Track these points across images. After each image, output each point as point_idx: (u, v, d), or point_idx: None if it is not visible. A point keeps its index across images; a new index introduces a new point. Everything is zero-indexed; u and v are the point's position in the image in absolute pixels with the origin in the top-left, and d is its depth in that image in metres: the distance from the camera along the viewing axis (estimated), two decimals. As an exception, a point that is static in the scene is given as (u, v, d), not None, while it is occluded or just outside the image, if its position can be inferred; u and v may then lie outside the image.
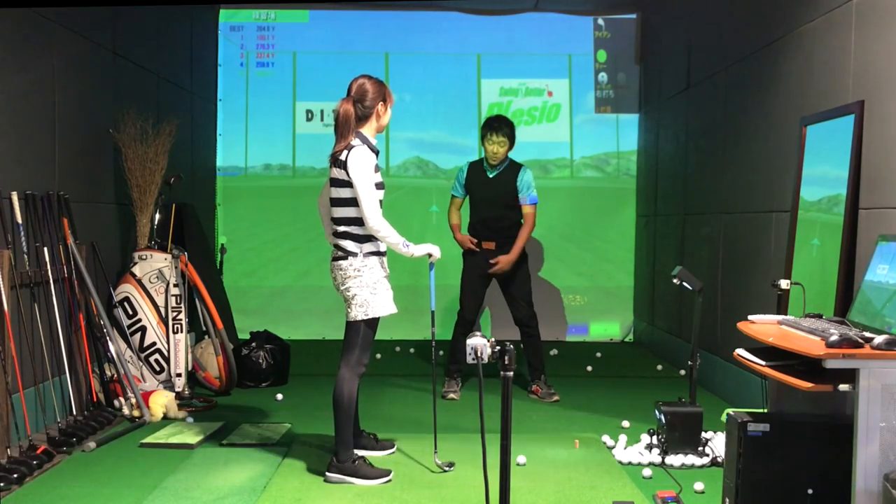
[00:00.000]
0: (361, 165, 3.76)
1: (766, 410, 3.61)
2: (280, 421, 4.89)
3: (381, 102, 3.90)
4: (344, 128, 3.84)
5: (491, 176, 5.48)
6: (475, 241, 5.50)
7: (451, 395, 5.52)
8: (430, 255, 3.99)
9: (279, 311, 7.89)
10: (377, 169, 3.88)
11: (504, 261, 5.43)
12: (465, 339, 4.98)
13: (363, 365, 3.89)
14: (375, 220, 3.76)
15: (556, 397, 5.47)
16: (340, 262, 3.84)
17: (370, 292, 3.81)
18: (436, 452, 4.09)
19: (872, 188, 3.57)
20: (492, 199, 5.47)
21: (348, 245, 3.83)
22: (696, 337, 4.34)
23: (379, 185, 3.86)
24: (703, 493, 3.66)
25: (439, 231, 8.05)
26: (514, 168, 5.48)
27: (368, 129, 3.92)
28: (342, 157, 3.79)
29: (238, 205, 8.21)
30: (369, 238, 3.85)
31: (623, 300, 8.17)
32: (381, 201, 3.85)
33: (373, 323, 3.87)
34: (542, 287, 7.94)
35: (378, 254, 3.88)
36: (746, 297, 5.05)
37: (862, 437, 2.68)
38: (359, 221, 3.82)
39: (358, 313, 3.81)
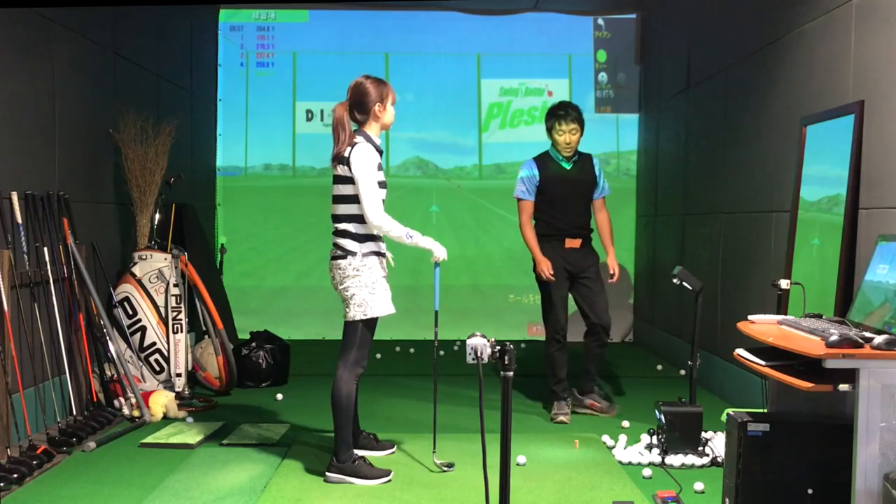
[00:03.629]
0: (364, 161, 3.77)
1: (766, 410, 3.61)
2: (280, 421, 4.89)
3: (379, 103, 3.89)
4: (339, 132, 3.86)
5: (568, 168, 5.03)
6: (551, 269, 4.91)
7: (562, 418, 4.85)
8: (434, 255, 3.97)
9: (279, 311, 7.90)
10: (380, 168, 3.88)
11: (615, 265, 5.10)
12: (561, 354, 4.93)
13: (361, 366, 3.88)
14: (376, 215, 3.76)
15: (614, 411, 5.02)
16: (339, 261, 3.84)
17: (369, 292, 3.81)
18: (434, 452, 4.09)
19: (872, 188, 3.57)
20: (573, 194, 5.01)
21: (347, 244, 3.83)
22: (696, 337, 4.34)
23: (381, 184, 3.86)
24: (702, 493, 3.66)
25: (439, 231, 8.07)
26: (585, 158, 5.08)
27: (372, 129, 3.92)
28: (346, 154, 3.80)
29: (238, 205, 8.21)
30: (369, 237, 3.84)
31: (623, 300, 8.17)
32: (383, 201, 3.85)
33: (371, 323, 3.86)
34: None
35: (378, 254, 3.88)
36: (746, 297, 5.05)
37: (862, 437, 2.68)
38: (359, 219, 3.82)
39: (356, 313, 3.81)
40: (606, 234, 5.15)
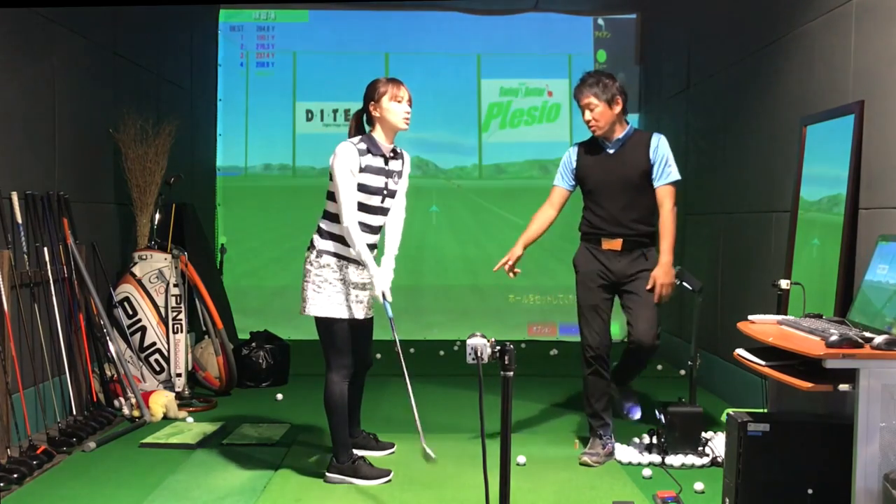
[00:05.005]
0: (337, 161, 3.69)
1: (766, 410, 3.61)
2: (280, 421, 4.89)
3: (373, 101, 3.79)
4: (350, 131, 3.88)
5: (612, 153, 4.14)
6: (511, 264, 4.24)
7: (586, 459, 4.07)
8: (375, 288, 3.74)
9: (279, 311, 7.88)
10: (374, 171, 3.75)
11: (661, 276, 4.00)
12: (597, 379, 4.15)
13: (343, 366, 3.80)
14: (346, 218, 3.66)
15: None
16: (306, 251, 3.85)
17: (313, 290, 3.76)
18: (422, 437, 3.94)
19: (872, 188, 3.57)
20: (614, 182, 4.09)
21: (314, 237, 3.82)
22: (696, 337, 4.34)
23: (367, 189, 3.73)
24: (702, 493, 3.66)
25: (439, 231, 8.08)
26: (641, 138, 4.11)
27: (377, 131, 3.83)
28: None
29: (238, 205, 8.20)
30: (333, 236, 3.77)
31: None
32: (372, 206, 3.77)
33: (328, 323, 3.76)
34: (540, 287, 8.00)
35: (339, 256, 3.77)
36: (746, 297, 5.05)
37: (862, 437, 2.68)
38: (329, 216, 3.80)
39: (301, 307, 3.81)
40: (662, 232, 4.06)
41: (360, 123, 3.91)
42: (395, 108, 3.78)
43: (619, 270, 4.09)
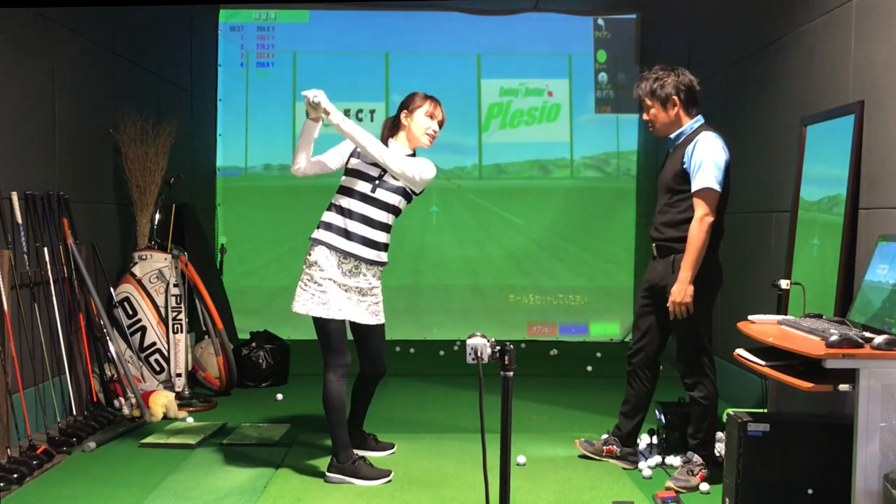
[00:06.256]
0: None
1: (766, 410, 3.61)
2: (280, 421, 4.89)
3: (406, 111, 3.89)
4: (382, 135, 3.96)
5: (670, 151, 3.93)
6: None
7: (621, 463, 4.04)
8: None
9: (279, 311, 7.86)
10: (369, 161, 3.82)
11: (674, 293, 3.69)
12: (629, 382, 3.97)
13: (340, 366, 3.80)
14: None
15: (693, 481, 3.72)
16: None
17: (301, 287, 3.81)
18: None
19: (872, 188, 3.57)
20: (659, 184, 3.95)
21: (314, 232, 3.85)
22: (696, 337, 4.33)
23: (359, 174, 3.82)
24: (708, 493, 3.65)
25: (439, 231, 8.08)
26: (690, 138, 3.79)
27: (400, 139, 3.92)
28: None
29: (238, 205, 8.20)
30: (329, 227, 3.79)
31: (623, 300, 8.15)
32: (366, 195, 3.80)
33: (322, 322, 3.78)
34: (540, 288, 8.00)
35: (330, 247, 3.76)
36: (746, 297, 5.05)
37: (862, 437, 2.68)
38: (330, 206, 3.84)
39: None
40: (686, 245, 3.71)
41: (389, 130, 3.98)
42: (425, 123, 3.88)
43: (654, 279, 3.92)
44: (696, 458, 3.77)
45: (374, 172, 3.83)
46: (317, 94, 3.67)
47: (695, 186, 3.70)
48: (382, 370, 4.15)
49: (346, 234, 3.78)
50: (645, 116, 3.93)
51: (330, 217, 3.82)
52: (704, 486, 3.68)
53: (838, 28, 3.97)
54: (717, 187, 3.69)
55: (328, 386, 3.80)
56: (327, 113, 3.67)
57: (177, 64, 7.01)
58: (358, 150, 3.81)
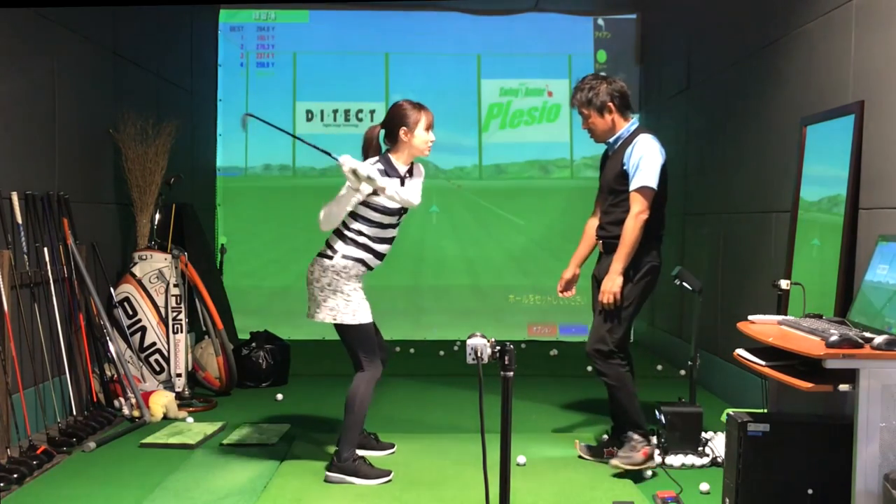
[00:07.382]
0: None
1: (766, 410, 3.61)
2: (280, 421, 4.89)
3: (405, 127, 3.84)
4: (367, 152, 3.92)
5: (609, 154, 4.10)
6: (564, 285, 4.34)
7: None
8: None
9: (279, 311, 7.88)
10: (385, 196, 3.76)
11: (604, 282, 3.91)
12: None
13: (376, 367, 3.88)
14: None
15: (638, 459, 3.88)
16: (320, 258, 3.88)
17: (344, 300, 3.80)
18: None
19: (872, 188, 3.57)
20: (602, 185, 4.13)
21: (336, 245, 3.82)
22: (696, 337, 4.34)
23: (384, 210, 3.79)
24: (708, 493, 3.65)
25: (439, 231, 8.08)
26: (629, 140, 3.95)
27: (398, 154, 3.89)
28: None
29: (238, 205, 8.21)
30: (363, 247, 3.82)
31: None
32: (390, 224, 3.84)
33: (359, 328, 3.84)
34: (540, 287, 7.99)
35: (366, 265, 3.84)
36: (746, 297, 5.05)
37: (862, 437, 2.68)
38: (359, 220, 3.82)
39: (318, 314, 3.84)
40: (621, 239, 3.88)
41: (377, 142, 3.95)
42: (426, 137, 3.89)
43: (601, 273, 4.05)
44: (635, 435, 3.92)
45: (397, 204, 3.82)
46: (359, 166, 3.60)
47: (633, 185, 3.85)
48: (386, 347, 4.24)
49: (378, 256, 3.86)
50: (583, 126, 4.07)
51: (360, 239, 3.81)
52: (705, 486, 3.68)
53: (838, 28, 3.98)
54: (654, 185, 3.85)
55: (360, 385, 3.83)
56: (371, 180, 3.61)
57: (177, 64, 7.01)
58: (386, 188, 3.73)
